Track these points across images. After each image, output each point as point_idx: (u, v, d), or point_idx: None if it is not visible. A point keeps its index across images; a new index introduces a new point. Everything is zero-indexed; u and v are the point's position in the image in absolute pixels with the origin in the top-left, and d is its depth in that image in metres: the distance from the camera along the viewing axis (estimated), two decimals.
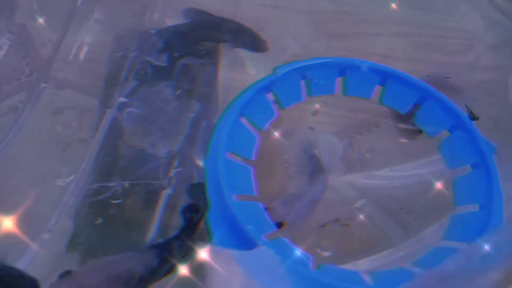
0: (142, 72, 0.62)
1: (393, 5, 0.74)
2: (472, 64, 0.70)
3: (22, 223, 0.50)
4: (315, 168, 0.55)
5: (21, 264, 0.46)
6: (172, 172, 0.55)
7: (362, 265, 0.49)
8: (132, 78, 0.62)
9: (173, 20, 0.66)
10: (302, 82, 0.55)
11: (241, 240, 0.41)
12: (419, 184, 0.58)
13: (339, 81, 0.56)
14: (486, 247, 0.42)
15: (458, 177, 0.51)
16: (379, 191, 0.60)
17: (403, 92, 0.55)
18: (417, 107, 0.55)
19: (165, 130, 0.58)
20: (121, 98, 0.60)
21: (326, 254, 0.51)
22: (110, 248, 0.50)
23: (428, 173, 0.57)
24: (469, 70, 0.69)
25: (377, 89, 0.56)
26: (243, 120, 0.50)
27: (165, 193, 0.53)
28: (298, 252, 0.41)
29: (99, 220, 0.51)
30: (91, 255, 0.49)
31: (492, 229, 0.44)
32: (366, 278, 0.40)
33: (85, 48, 0.64)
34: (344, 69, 0.55)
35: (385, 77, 0.55)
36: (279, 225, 0.46)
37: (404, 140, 0.61)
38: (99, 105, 0.59)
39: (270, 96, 0.53)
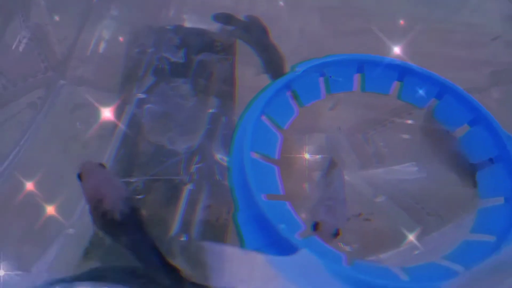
0: (160, 68, 0.62)
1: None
2: (489, 61, 0.70)
3: (46, 219, 0.50)
4: (329, 165, 0.56)
5: (47, 259, 0.46)
6: (193, 168, 0.55)
7: (386, 260, 0.49)
8: (150, 75, 0.62)
9: (189, 16, 0.66)
10: (321, 80, 0.55)
11: (273, 240, 0.41)
12: (435, 180, 0.58)
13: (357, 77, 0.56)
14: None
15: (481, 170, 0.51)
16: (394, 186, 0.59)
17: (421, 87, 0.55)
18: (435, 101, 0.55)
19: (184, 126, 0.58)
20: (140, 94, 0.60)
21: (348, 248, 0.52)
22: None
23: (444, 168, 0.57)
24: (486, 66, 0.69)
25: (395, 84, 0.56)
26: (264, 119, 0.50)
27: (187, 188, 0.53)
28: (331, 249, 0.41)
29: None
30: (113, 250, 0.49)
31: None
32: (400, 273, 0.40)
33: (102, 45, 0.65)
34: (362, 65, 0.55)
35: (403, 72, 0.55)
36: (316, 226, 0.46)
37: (406, 136, 0.62)
38: (118, 102, 0.59)
39: (289, 94, 0.53)
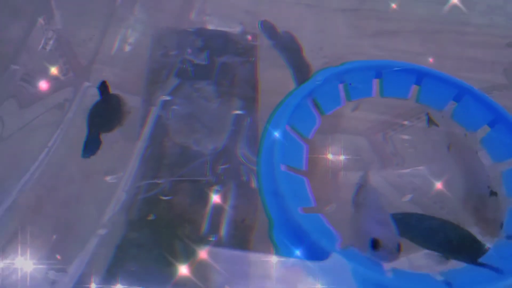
0: (183, 70, 0.63)
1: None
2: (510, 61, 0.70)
3: (77, 219, 0.51)
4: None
5: (80, 260, 0.47)
6: (219, 169, 0.55)
7: (416, 261, 0.50)
8: (173, 77, 0.62)
9: (211, 19, 0.67)
10: (341, 87, 0.55)
11: (313, 253, 0.41)
12: (451, 180, 0.58)
13: (376, 83, 0.56)
14: None
15: (506, 170, 0.51)
16: (414, 186, 0.60)
17: (439, 90, 0.55)
18: (454, 104, 0.56)
19: (209, 128, 0.58)
20: (164, 96, 0.60)
21: None
22: (162, 242, 0.51)
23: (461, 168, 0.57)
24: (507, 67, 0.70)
25: (413, 88, 0.57)
26: (289, 130, 0.50)
27: (214, 189, 0.54)
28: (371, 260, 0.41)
29: (151, 216, 0.52)
30: (144, 249, 0.50)
31: None
32: (441, 280, 0.40)
33: (126, 47, 0.65)
34: (380, 71, 0.56)
35: (420, 76, 0.56)
36: (375, 243, 0.42)
37: (405, 137, 0.62)
38: (143, 104, 0.60)
39: (311, 103, 0.53)
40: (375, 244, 0.42)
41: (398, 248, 0.42)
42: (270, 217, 0.43)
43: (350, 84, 0.55)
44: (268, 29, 0.68)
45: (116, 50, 0.65)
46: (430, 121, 0.58)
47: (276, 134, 0.47)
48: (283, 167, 0.46)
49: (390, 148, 0.63)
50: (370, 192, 0.51)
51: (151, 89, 0.61)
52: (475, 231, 0.49)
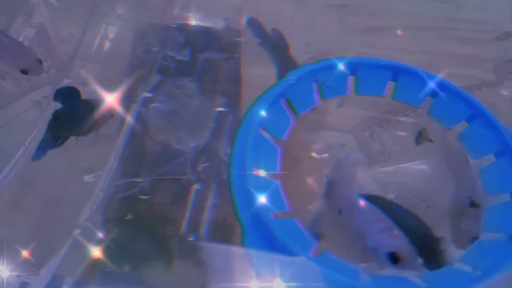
0: (165, 66, 0.62)
1: None
2: (497, 57, 0.70)
3: (53, 219, 0.50)
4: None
5: (54, 261, 0.46)
6: (200, 167, 0.54)
7: None
8: (155, 73, 0.61)
9: (194, 15, 0.66)
10: (315, 86, 0.54)
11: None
12: (439, 177, 0.58)
13: (351, 81, 0.55)
14: None
15: (484, 166, 0.50)
16: (400, 184, 0.59)
17: (416, 86, 0.54)
18: (430, 100, 0.54)
19: (191, 125, 0.57)
20: (145, 93, 0.59)
21: None
22: (141, 243, 0.50)
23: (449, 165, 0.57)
24: (494, 63, 0.69)
25: (390, 85, 0.55)
26: (262, 132, 0.48)
27: (194, 188, 0.53)
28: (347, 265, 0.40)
29: (130, 216, 0.51)
30: (122, 250, 0.49)
31: None
32: (418, 282, 0.39)
33: (107, 44, 0.64)
34: (355, 68, 0.54)
35: (396, 72, 0.54)
36: (394, 258, 0.39)
37: (402, 133, 0.62)
38: (124, 101, 0.59)
39: (284, 103, 0.52)
40: (395, 259, 0.39)
41: (418, 254, 0.40)
42: (243, 224, 0.42)
43: (325, 82, 0.53)
44: (255, 26, 0.67)
45: (97, 46, 0.64)
46: (421, 138, 0.57)
47: (247, 137, 0.46)
48: (255, 172, 0.44)
49: (377, 145, 0.62)
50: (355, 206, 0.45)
51: (132, 86, 0.60)
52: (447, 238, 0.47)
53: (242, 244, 0.41)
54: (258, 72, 0.64)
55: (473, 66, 0.67)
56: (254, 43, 0.66)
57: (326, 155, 0.59)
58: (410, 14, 0.75)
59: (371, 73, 0.54)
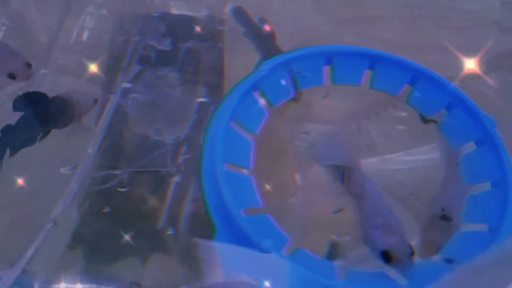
0: (146, 56, 0.60)
1: None
2: (485, 47, 0.68)
3: (26, 214, 0.49)
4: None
5: (27, 254, 0.45)
6: (180, 159, 0.53)
7: None
8: (135, 63, 0.60)
9: (176, 3, 0.64)
10: (289, 77, 0.52)
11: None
12: (429, 169, 0.57)
13: (327, 70, 0.53)
14: None
15: (464, 155, 0.49)
16: (388, 176, 0.58)
17: (393, 74, 0.53)
18: (410, 88, 0.53)
19: (172, 116, 0.56)
20: (125, 84, 0.58)
21: (341, 241, 0.50)
22: (117, 237, 0.48)
23: (438, 157, 0.56)
24: (481, 53, 0.68)
25: (367, 74, 0.54)
26: (234, 126, 0.47)
27: (174, 180, 0.52)
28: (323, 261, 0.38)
29: (106, 209, 0.49)
30: (97, 245, 0.47)
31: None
32: (398, 278, 0.38)
33: (86, 33, 0.62)
34: (331, 57, 0.53)
35: (374, 60, 0.53)
36: (386, 256, 0.38)
37: (401, 127, 0.60)
38: (102, 91, 0.57)
39: (257, 96, 0.50)
40: (387, 258, 0.38)
41: (412, 253, 0.39)
42: (214, 223, 0.41)
43: (299, 72, 0.52)
44: (241, 15, 0.65)
45: (75, 36, 0.62)
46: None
47: (218, 131, 0.44)
48: (226, 167, 0.43)
49: (364, 137, 0.61)
50: (368, 191, 0.45)
51: (111, 76, 0.59)
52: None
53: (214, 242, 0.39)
54: (241, 62, 0.62)
55: (467, 56, 0.66)
56: (238, 32, 0.64)
57: (309, 147, 0.57)
58: (402, 3, 0.74)
59: (347, 62, 0.52)
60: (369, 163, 0.58)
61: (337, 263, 0.40)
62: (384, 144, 0.60)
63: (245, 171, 0.45)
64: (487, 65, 0.67)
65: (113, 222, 0.49)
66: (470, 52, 0.68)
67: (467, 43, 0.70)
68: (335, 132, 0.54)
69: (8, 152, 0.50)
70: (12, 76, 0.51)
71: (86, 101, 0.54)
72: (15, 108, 0.51)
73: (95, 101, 0.55)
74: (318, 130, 0.55)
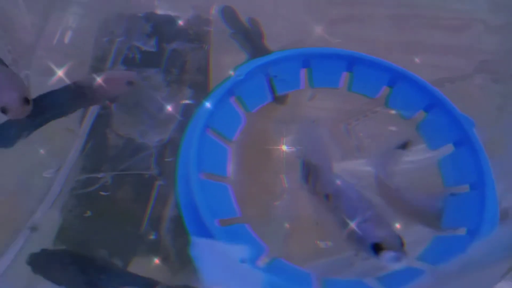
0: (130, 57, 0.59)
1: None
2: (473, 47, 0.68)
3: (7, 217, 0.48)
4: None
5: (5, 259, 0.44)
6: (164, 162, 0.52)
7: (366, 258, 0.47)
8: (120, 64, 0.59)
9: (161, 3, 0.63)
10: (266, 81, 0.51)
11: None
12: (417, 170, 0.56)
13: (303, 73, 0.52)
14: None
15: (443, 157, 0.48)
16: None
17: (371, 76, 0.52)
18: (388, 90, 0.53)
19: (156, 118, 0.55)
20: None
21: (324, 245, 0.49)
22: (99, 241, 0.48)
23: (426, 158, 0.55)
24: (469, 53, 0.68)
25: (345, 76, 0.53)
26: (210, 133, 0.45)
27: (157, 184, 0.51)
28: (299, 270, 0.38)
29: (88, 213, 0.49)
30: (79, 249, 0.47)
31: (490, 211, 0.42)
32: (375, 285, 0.38)
33: (69, 33, 0.61)
34: (308, 59, 0.52)
35: (351, 62, 0.52)
36: (377, 248, 0.38)
37: (393, 128, 0.60)
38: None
39: (233, 101, 0.49)
40: (377, 249, 0.38)
41: (402, 244, 0.38)
42: (188, 233, 0.40)
43: (275, 76, 0.51)
44: (230, 16, 0.65)
45: (59, 36, 0.61)
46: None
47: (192, 138, 0.43)
48: (201, 176, 0.42)
49: (353, 138, 0.61)
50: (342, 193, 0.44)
51: None
52: None
53: (189, 254, 0.38)
54: (227, 63, 0.61)
55: (458, 56, 0.66)
56: (224, 32, 0.64)
57: (295, 148, 0.57)
58: (386, 3, 0.73)
59: (324, 64, 0.52)
60: (354, 164, 0.58)
61: (313, 272, 0.39)
62: (372, 145, 0.60)
63: (221, 179, 0.44)
64: (477, 65, 0.66)
65: (95, 226, 0.48)
66: (461, 52, 0.68)
67: (458, 43, 0.70)
68: (309, 127, 0.53)
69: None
70: (3, 111, 0.45)
71: (117, 83, 0.53)
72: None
73: (129, 83, 0.53)
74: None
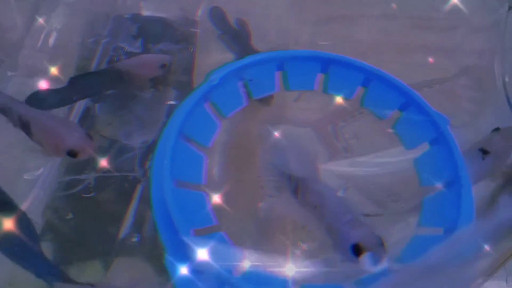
0: (115, 58, 0.59)
1: None
2: (457, 47, 0.68)
3: None
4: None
5: None
6: (148, 164, 0.52)
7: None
8: (105, 65, 0.59)
9: (147, 4, 0.63)
10: (240, 85, 0.51)
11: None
12: (405, 171, 0.56)
13: (278, 76, 0.52)
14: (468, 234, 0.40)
15: (418, 156, 0.48)
16: (364, 178, 0.58)
17: (346, 77, 0.52)
18: (363, 90, 0.52)
19: (141, 120, 0.55)
20: None
21: (306, 247, 0.49)
22: (81, 243, 0.47)
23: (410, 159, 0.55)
24: (454, 53, 0.68)
25: (320, 77, 0.53)
26: (184, 140, 0.45)
27: (140, 185, 0.51)
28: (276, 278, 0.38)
29: (70, 215, 0.48)
30: (61, 251, 0.47)
31: (466, 209, 0.42)
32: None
33: (55, 34, 0.61)
34: (282, 62, 0.52)
35: (325, 63, 0.52)
36: (357, 250, 0.38)
37: (390, 130, 0.60)
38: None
39: (208, 107, 0.48)
40: (357, 251, 0.38)
41: (382, 244, 0.38)
42: (163, 243, 0.39)
43: (250, 80, 0.50)
44: (217, 16, 0.64)
45: (44, 36, 0.61)
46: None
47: (166, 146, 0.43)
48: (175, 184, 0.41)
49: (340, 139, 0.61)
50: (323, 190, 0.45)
51: None
52: None
53: (165, 264, 0.38)
54: (214, 65, 0.61)
55: (448, 58, 0.66)
56: (211, 33, 0.64)
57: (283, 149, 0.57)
58: (375, 3, 0.73)
59: (299, 66, 0.52)
60: (341, 165, 0.58)
61: (291, 278, 0.39)
62: (360, 146, 0.60)
63: (197, 188, 0.43)
64: (459, 66, 0.66)
65: (77, 228, 0.48)
66: (449, 52, 0.68)
67: (447, 43, 0.70)
68: (296, 138, 0.53)
69: None
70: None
71: (150, 66, 0.54)
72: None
73: (163, 65, 0.54)
74: (283, 133, 0.54)
